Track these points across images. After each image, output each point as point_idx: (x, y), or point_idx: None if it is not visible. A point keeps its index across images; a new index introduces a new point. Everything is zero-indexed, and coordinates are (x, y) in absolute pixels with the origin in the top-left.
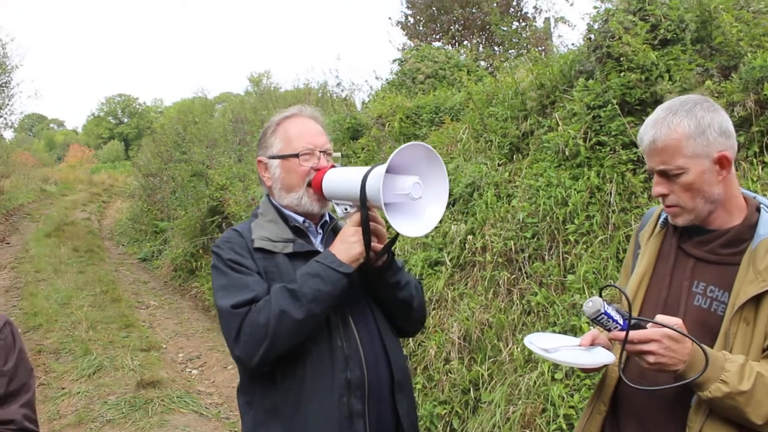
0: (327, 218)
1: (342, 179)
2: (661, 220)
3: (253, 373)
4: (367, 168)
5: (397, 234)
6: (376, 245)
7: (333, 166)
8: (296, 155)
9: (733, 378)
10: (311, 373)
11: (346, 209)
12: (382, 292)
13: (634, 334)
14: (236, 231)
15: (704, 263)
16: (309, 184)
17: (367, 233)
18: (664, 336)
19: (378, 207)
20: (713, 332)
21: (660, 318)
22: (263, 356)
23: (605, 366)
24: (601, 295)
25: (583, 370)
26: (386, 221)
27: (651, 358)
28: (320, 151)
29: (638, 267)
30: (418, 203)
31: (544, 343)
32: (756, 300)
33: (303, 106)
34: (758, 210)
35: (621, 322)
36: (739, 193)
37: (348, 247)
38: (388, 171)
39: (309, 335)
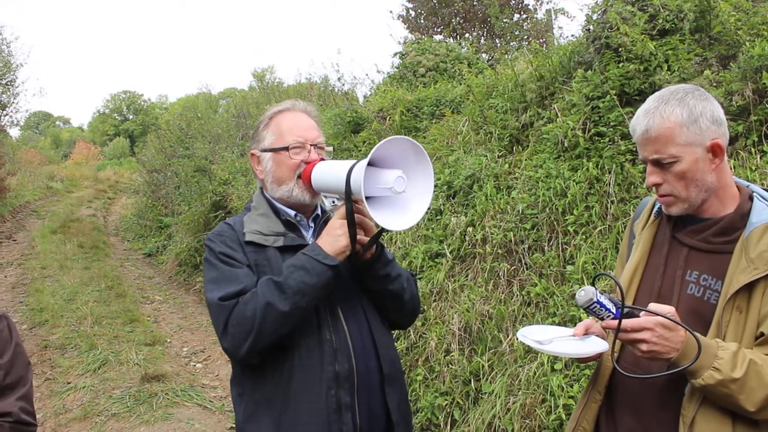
0: (319, 211)
1: (329, 172)
2: (655, 209)
3: (243, 365)
4: (353, 161)
5: (382, 228)
6: (363, 238)
7: (322, 159)
8: (286, 148)
9: (725, 365)
10: (300, 365)
11: (333, 202)
12: (373, 285)
13: (626, 322)
14: (228, 224)
15: (697, 252)
16: (299, 177)
17: (353, 226)
18: (657, 324)
19: (361, 200)
20: (706, 321)
21: (653, 306)
22: (250, 348)
23: (601, 355)
24: (594, 284)
25: (579, 360)
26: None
27: (644, 347)
28: (311, 145)
29: (632, 256)
30: (402, 197)
31: (537, 335)
32: (748, 288)
33: (296, 100)
34: (751, 198)
35: (614, 311)
36: (732, 182)
37: (334, 239)
38: (375, 164)
39: (297, 327)
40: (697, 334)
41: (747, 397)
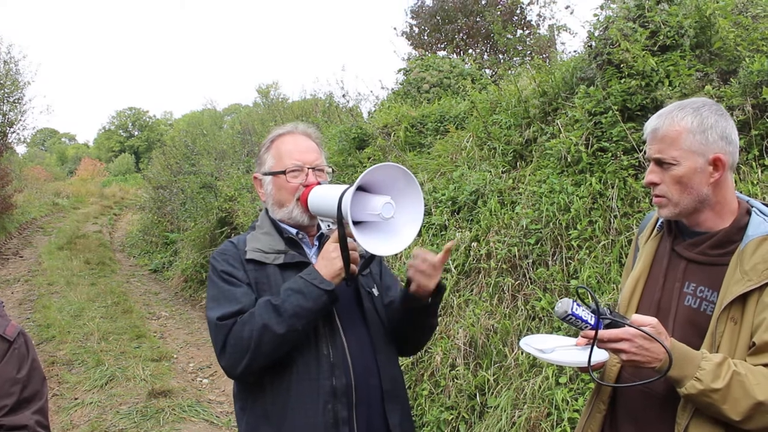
0: (323, 229)
1: (323, 197)
2: (659, 224)
3: (239, 380)
4: (346, 186)
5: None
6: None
7: (319, 183)
8: (284, 172)
9: (707, 376)
10: (297, 380)
11: (329, 226)
12: (430, 322)
13: (604, 333)
14: (232, 243)
15: (695, 264)
16: (298, 200)
17: (345, 249)
18: (636, 335)
19: (348, 224)
20: (703, 331)
21: (635, 318)
22: (246, 367)
23: (603, 364)
24: (579, 297)
25: (580, 369)
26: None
27: (624, 356)
28: (309, 168)
29: (635, 269)
30: (392, 222)
31: (540, 345)
32: (743, 299)
33: (297, 123)
34: (748, 213)
35: (592, 322)
36: (734, 198)
37: (329, 263)
38: (367, 190)
39: (294, 346)
40: (669, 348)
41: (731, 407)
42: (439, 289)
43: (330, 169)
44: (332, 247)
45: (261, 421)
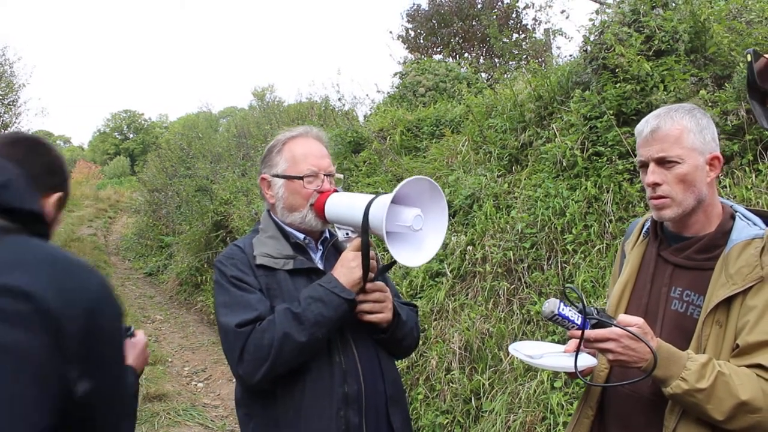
0: (327, 234)
1: (345, 205)
2: (644, 229)
3: (253, 388)
4: (371, 196)
5: (394, 261)
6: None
7: (336, 190)
8: (300, 178)
9: (692, 376)
10: (311, 387)
11: (347, 234)
12: (392, 349)
13: (590, 333)
14: (238, 247)
15: (681, 269)
16: (312, 205)
17: (367, 258)
18: (622, 335)
19: (380, 235)
20: (689, 335)
21: (621, 318)
22: (264, 375)
23: (592, 369)
24: (565, 295)
25: (569, 375)
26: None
27: (610, 356)
28: (324, 174)
29: (622, 275)
30: (417, 234)
31: (529, 351)
32: (728, 303)
33: (309, 126)
34: (732, 217)
35: (578, 322)
36: (718, 202)
37: (349, 271)
38: (392, 201)
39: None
40: (654, 347)
41: (715, 407)
42: (383, 272)
43: (341, 176)
44: (352, 256)
45: (269, 428)
